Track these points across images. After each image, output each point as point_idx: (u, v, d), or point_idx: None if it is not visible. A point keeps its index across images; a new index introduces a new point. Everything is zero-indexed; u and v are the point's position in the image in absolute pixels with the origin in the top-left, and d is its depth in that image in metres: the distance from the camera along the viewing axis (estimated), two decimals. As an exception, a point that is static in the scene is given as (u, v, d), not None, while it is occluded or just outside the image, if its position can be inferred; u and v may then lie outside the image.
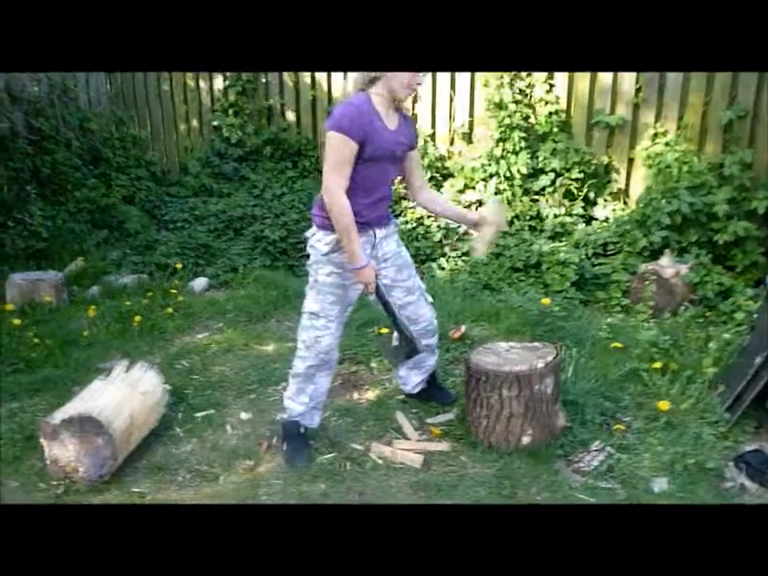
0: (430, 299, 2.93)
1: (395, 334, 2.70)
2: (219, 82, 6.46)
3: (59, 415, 2.56)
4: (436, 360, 3.11)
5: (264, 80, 6.32)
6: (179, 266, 5.07)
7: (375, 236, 2.65)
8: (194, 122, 6.72)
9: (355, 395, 3.31)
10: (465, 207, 5.04)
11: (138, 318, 4.11)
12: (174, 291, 4.64)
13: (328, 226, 2.52)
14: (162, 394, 3.00)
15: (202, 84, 6.54)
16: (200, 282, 4.96)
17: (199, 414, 3.13)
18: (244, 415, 3.14)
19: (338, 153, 2.39)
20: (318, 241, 2.60)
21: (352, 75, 2.58)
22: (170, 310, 4.34)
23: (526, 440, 2.73)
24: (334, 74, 6.01)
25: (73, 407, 2.61)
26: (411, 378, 3.10)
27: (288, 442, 2.80)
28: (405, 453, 2.75)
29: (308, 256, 2.67)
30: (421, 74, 2.47)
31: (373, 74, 2.44)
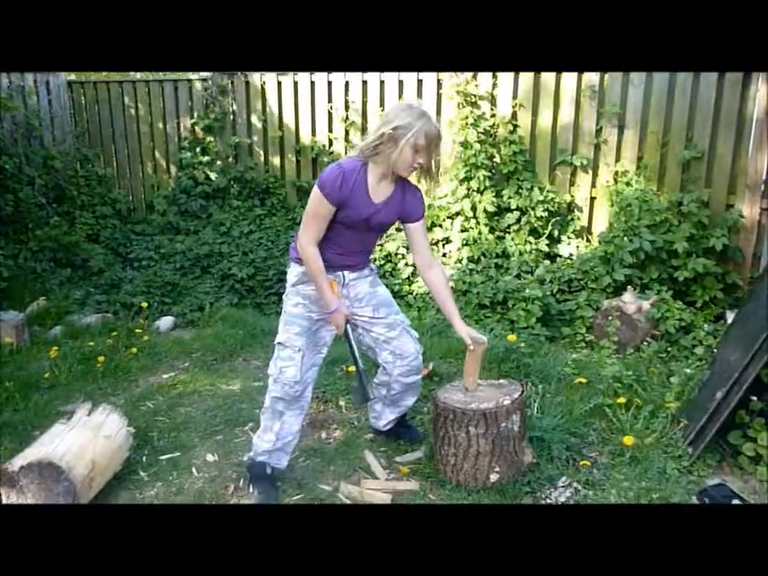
0: (416, 334, 2.91)
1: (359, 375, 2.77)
2: (186, 119, 6.48)
3: (18, 461, 2.48)
4: (414, 401, 3.07)
5: (232, 117, 6.36)
6: (145, 304, 5.01)
7: (345, 278, 2.72)
8: (161, 160, 6.71)
9: (323, 435, 3.29)
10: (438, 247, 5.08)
11: (101, 359, 4.04)
12: (139, 331, 4.58)
13: (297, 260, 2.68)
14: (125, 437, 2.93)
15: (168, 121, 6.56)
16: (166, 321, 4.90)
17: (164, 457, 3.07)
18: (210, 457, 3.09)
19: (314, 207, 2.53)
20: (289, 272, 2.74)
21: (363, 140, 2.56)
22: (134, 350, 4.27)
23: (493, 477, 2.73)
24: (301, 113, 6.08)
25: (32, 453, 2.54)
26: (385, 414, 3.07)
27: (255, 484, 2.76)
28: (373, 493, 2.73)
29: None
30: (421, 157, 2.47)
31: (376, 145, 2.46)
